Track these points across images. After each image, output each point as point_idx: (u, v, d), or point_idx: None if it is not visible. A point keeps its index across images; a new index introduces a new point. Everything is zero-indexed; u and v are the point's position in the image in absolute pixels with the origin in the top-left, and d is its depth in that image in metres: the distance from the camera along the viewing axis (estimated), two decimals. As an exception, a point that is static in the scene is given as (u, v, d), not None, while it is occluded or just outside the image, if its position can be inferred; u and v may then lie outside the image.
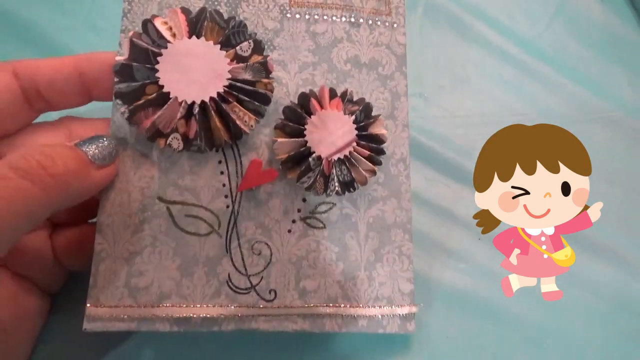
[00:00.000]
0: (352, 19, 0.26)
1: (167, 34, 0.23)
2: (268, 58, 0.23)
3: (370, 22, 0.27)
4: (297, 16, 0.26)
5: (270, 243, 0.23)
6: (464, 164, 0.32)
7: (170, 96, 0.22)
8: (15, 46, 0.31)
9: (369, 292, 0.23)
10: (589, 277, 0.31)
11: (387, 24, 0.27)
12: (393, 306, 0.23)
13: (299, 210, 0.24)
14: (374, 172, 0.24)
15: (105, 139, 0.22)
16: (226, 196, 0.23)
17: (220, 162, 0.23)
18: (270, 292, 0.23)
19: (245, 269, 0.23)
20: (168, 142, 0.22)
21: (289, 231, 0.23)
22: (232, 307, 0.22)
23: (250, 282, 0.23)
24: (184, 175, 0.23)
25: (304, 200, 0.24)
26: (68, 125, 0.24)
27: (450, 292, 0.29)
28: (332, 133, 0.23)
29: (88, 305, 0.21)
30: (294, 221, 0.24)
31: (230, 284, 0.22)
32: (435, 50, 0.35)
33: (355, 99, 0.25)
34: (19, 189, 0.18)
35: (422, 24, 0.35)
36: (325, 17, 0.26)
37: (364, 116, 0.24)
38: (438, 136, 0.33)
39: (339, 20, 0.26)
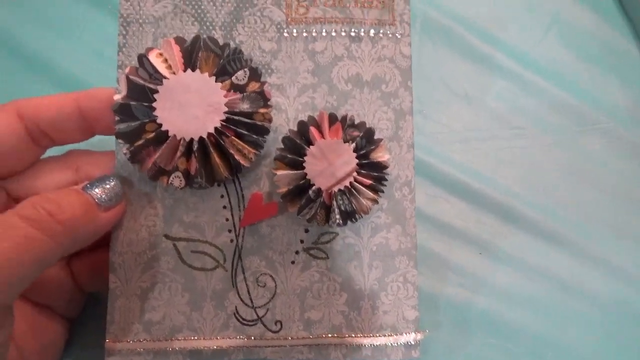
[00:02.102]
0: (353, 33, 0.25)
1: (162, 67, 0.23)
2: (265, 85, 0.23)
3: (372, 34, 0.25)
4: (295, 34, 0.25)
5: (274, 275, 0.24)
6: (464, 179, 0.32)
7: (169, 134, 0.22)
8: (19, 73, 0.31)
9: (373, 321, 0.24)
10: (588, 288, 0.31)
11: (390, 35, 0.25)
12: (397, 334, 0.24)
13: (301, 242, 0.24)
14: (376, 201, 0.23)
15: (111, 179, 0.23)
16: (230, 230, 0.24)
17: (222, 196, 0.24)
18: (276, 324, 0.23)
19: (252, 301, 0.23)
20: (170, 180, 0.22)
21: (293, 262, 0.24)
22: (241, 338, 0.23)
23: (257, 314, 0.23)
24: (188, 211, 0.24)
25: (307, 231, 0.24)
26: (75, 160, 0.24)
27: (452, 306, 0.30)
28: (331, 164, 0.23)
29: (107, 340, 0.23)
30: (297, 252, 0.24)
31: (237, 316, 0.23)
32: (431, 66, 0.34)
33: (356, 122, 0.24)
34: (28, 238, 0.19)
35: (417, 39, 0.34)
36: (324, 34, 0.25)
37: (365, 142, 0.24)
38: (437, 152, 0.32)
39: (338, 35, 0.25)
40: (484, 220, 0.31)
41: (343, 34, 0.25)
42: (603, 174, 0.33)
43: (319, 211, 0.23)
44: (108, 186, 0.22)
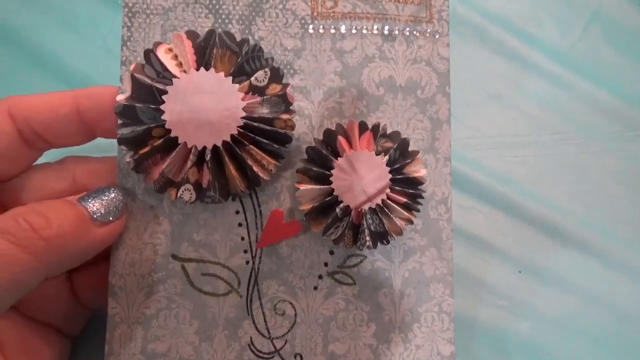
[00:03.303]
0: (386, 31, 0.22)
1: (172, 65, 0.20)
2: (287, 88, 0.20)
3: (407, 33, 0.23)
4: (321, 30, 0.22)
5: (294, 302, 0.21)
6: (500, 188, 0.29)
7: (179, 141, 0.19)
8: (28, 71, 0.29)
9: (404, 356, 0.21)
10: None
11: (427, 34, 0.23)
12: (431, 371, 0.21)
13: (325, 265, 0.21)
14: (410, 221, 0.21)
15: (111, 191, 0.20)
16: (245, 251, 0.21)
17: (237, 212, 0.21)
18: (295, 357, 0.21)
19: (268, 332, 0.21)
20: (179, 194, 0.20)
21: (315, 288, 0.21)
22: (256, 373, 0.21)
23: (274, 346, 0.21)
24: (198, 229, 0.21)
25: (332, 253, 0.22)
26: (72, 168, 0.22)
27: (488, 332, 0.27)
28: (362, 178, 0.20)
29: (105, 373, 0.20)
30: (320, 277, 0.21)
31: (252, 347, 0.21)
32: (461, 66, 0.31)
33: (389, 132, 0.22)
34: (5, 255, 0.16)
35: (449, 37, 0.32)
36: (354, 31, 0.22)
37: (399, 155, 0.21)
38: (470, 159, 0.30)
39: (370, 33, 0.22)
40: (524, 234, 0.29)
41: (375, 31, 0.22)
42: None
43: (347, 232, 0.20)
44: (107, 198, 0.20)
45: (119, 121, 0.20)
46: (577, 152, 0.31)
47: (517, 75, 0.32)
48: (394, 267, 0.22)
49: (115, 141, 0.21)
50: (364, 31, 0.22)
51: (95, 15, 0.30)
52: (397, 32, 0.22)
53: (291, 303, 0.21)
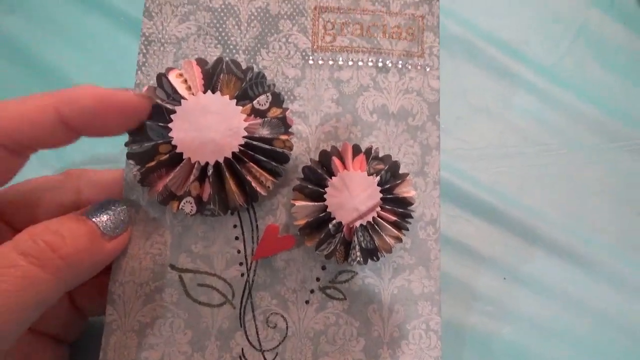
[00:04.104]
0: (380, 63, 0.24)
1: (182, 88, 0.22)
2: (287, 112, 0.22)
3: (400, 65, 0.24)
4: (320, 62, 0.24)
5: (286, 315, 0.22)
6: (486, 198, 0.30)
7: (184, 157, 0.21)
8: (31, 85, 0.30)
9: (392, 372, 0.22)
10: (629, 322, 0.28)
11: (419, 67, 0.24)
12: (418, 389, 0.22)
13: (317, 279, 0.22)
14: (399, 239, 0.22)
15: (117, 204, 0.21)
16: (241, 263, 0.22)
17: (235, 226, 0.22)
18: (285, 370, 0.21)
19: (260, 344, 0.21)
20: (180, 206, 0.21)
21: (307, 302, 0.22)
22: (245, 385, 0.21)
23: (265, 358, 0.21)
24: (197, 240, 0.22)
25: (324, 268, 0.22)
26: (76, 181, 0.22)
27: (476, 337, 0.27)
28: (354, 197, 0.21)
29: (98, 380, 0.20)
30: (312, 291, 0.22)
31: (243, 359, 0.21)
32: (452, 80, 0.32)
33: (381, 155, 0.23)
34: (28, 277, 0.17)
35: (439, 52, 0.33)
36: (350, 63, 0.24)
37: (390, 176, 0.22)
38: (458, 170, 0.31)
39: (365, 65, 0.24)
40: (509, 242, 0.29)
41: (370, 63, 0.24)
42: (636, 193, 0.31)
43: (339, 247, 0.21)
44: (115, 212, 0.21)
45: (129, 138, 0.21)
46: (560, 163, 0.31)
47: (505, 89, 0.33)
48: (383, 284, 0.22)
49: (114, 152, 0.22)
50: (360, 63, 0.24)
51: (98, 31, 0.31)
52: (390, 65, 0.24)
53: (283, 316, 0.22)
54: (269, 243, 0.22)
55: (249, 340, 0.21)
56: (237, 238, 0.22)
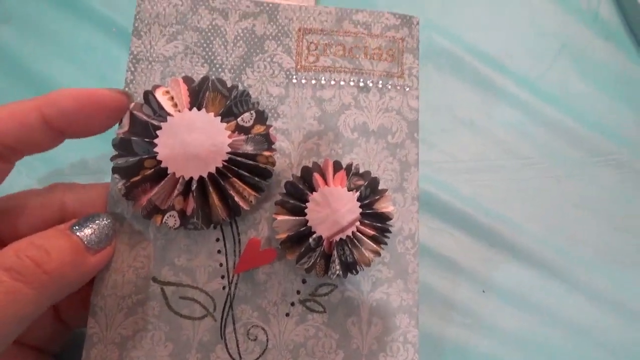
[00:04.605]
0: (361, 83, 0.25)
1: (168, 105, 0.22)
2: (271, 129, 0.23)
3: (380, 85, 0.25)
4: (304, 81, 0.25)
5: (267, 328, 0.22)
6: (467, 210, 0.30)
7: (169, 171, 0.21)
8: (21, 94, 0.30)
9: (370, 384, 0.22)
10: (605, 335, 0.29)
11: (398, 87, 0.25)
12: (396, 401, 0.22)
13: (298, 292, 0.23)
14: (378, 253, 0.22)
15: (102, 218, 0.21)
16: (223, 276, 0.22)
17: (218, 239, 0.23)
18: (265, 382, 0.21)
19: (240, 356, 0.22)
20: (164, 220, 0.21)
21: (287, 315, 0.22)
22: (225, 397, 0.21)
23: (245, 371, 0.22)
24: (180, 254, 0.22)
25: (304, 281, 0.23)
26: (60, 195, 0.22)
27: (454, 350, 0.27)
28: (334, 211, 0.22)
29: (78, 393, 0.20)
30: (292, 304, 0.22)
31: (223, 372, 0.21)
32: (436, 93, 0.33)
33: (361, 171, 0.24)
34: (10, 293, 0.17)
35: (423, 66, 0.33)
36: (332, 82, 0.25)
37: (369, 192, 0.23)
38: (441, 182, 0.31)
39: (347, 84, 0.25)
40: (488, 255, 0.30)
41: (352, 83, 0.25)
42: (618, 209, 0.31)
43: (319, 261, 0.22)
44: (98, 226, 0.21)
45: (115, 152, 0.22)
46: (541, 176, 0.32)
47: (489, 102, 0.33)
48: (362, 297, 0.23)
49: (104, 163, 0.22)
50: (342, 83, 0.25)
51: (90, 43, 0.31)
52: (371, 85, 0.25)
53: (264, 329, 0.22)
54: (251, 256, 0.22)
55: (229, 353, 0.22)
56: (219, 251, 0.22)
